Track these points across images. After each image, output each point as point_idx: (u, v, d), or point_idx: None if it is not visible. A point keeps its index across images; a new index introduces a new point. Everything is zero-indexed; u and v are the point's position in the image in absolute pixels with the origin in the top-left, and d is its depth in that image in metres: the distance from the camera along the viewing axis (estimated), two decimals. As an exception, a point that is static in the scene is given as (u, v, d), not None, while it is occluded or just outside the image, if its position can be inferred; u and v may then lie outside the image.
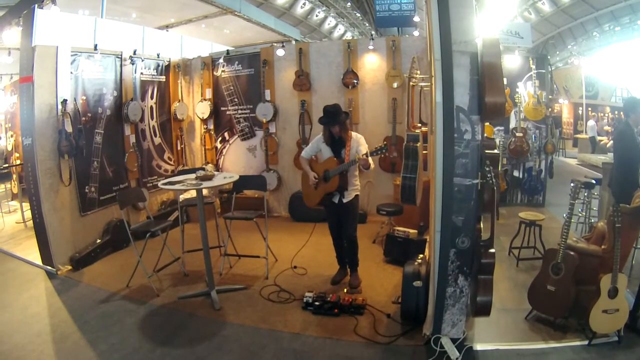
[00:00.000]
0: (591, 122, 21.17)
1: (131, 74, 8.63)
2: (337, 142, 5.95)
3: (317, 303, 5.46)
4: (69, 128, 7.06)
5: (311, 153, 6.20)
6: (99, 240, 7.60)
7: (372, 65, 9.19)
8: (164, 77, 9.77)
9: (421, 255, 5.54)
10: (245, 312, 5.51)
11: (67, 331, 5.13)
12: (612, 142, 9.60)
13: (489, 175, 4.32)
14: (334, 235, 6.33)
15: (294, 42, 13.48)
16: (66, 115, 7.04)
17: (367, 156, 5.60)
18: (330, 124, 5.87)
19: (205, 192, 7.65)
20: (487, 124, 8.29)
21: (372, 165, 5.82)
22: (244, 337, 4.94)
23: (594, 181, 7.69)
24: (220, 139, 10.38)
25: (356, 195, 6.11)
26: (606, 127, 20.89)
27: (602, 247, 5.08)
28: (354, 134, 6.01)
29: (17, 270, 7.14)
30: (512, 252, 7.07)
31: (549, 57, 12.38)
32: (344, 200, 6.00)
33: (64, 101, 7.02)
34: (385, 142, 5.86)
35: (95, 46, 7.79)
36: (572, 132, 24.58)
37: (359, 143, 5.90)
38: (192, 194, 8.20)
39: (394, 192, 8.47)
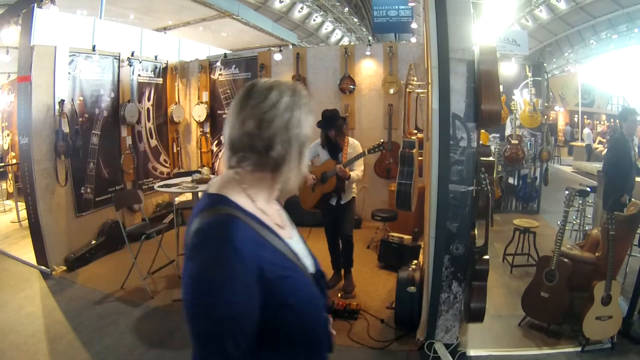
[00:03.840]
0: (587, 130, 21.25)
1: (129, 76, 8.64)
2: (335, 146, 6.04)
3: (311, 307, 5.45)
4: (65, 128, 7.07)
5: (308, 157, 6.15)
6: (94, 242, 7.60)
7: (369, 71, 9.22)
8: (161, 79, 9.79)
9: (415, 261, 5.57)
10: (239, 316, 5.49)
11: (61, 332, 5.14)
12: (605, 150, 9.66)
13: (484, 182, 4.35)
14: (330, 238, 6.38)
15: (291, 46, 13.48)
16: (63, 116, 7.04)
17: (344, 167, 5.76)
18: (326, 128, 5.97)
19: (200, 195, 7.65)
20: (482, 131, 8.33)
21: (354, 176, 5.93)
22: (238, 341, 4.93)
23: (588, 189, 7.73)
24: (216, 142, 10.38)
25: (353, 198, 6.21)
26: (598, 144, 20.79)
27: (596, 254, 5.11)
28: (351, 139, 6.10)
29: (12, 270, 7.14)
30: (506, 258, 7.10)
31: (545, 64, 12.43)
32: (342, 202, 6.08)
33: (62, 101, 7.03)
34: (382, 140, 5.92)
35: (94, 47, 7.81)
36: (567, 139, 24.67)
37: (355, 151, 6.00)
38: (188, 196, 8.21)
39: (389, 197, 8.48)
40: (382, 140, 5.97)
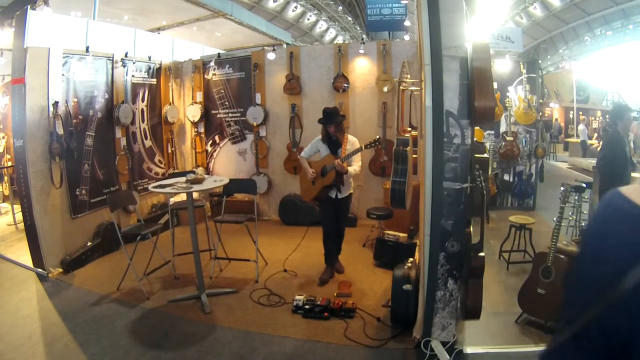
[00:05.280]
0: (581, 126, 21.30)
1: (122, 77, 8.61)
2: (334, 142, 6.32)
3: (307, 306, 5.47)
4: (60, 130, 7.04)
5: (310, 153, 6.57)
6: (89, 243, 7.57)
7: (362, 69, 9.21)
8: (155, 79, 9.77)
9: (411, 259, 5.56)
10: (235, 316, 5.51)
11: (58, 334, 5.12)
12: (600, 147, 9.66)
13: (478, 179, 4.35)
14: (327, 231, 6.56)
15: (284, 45, 13.49)
16: (57, 118, 7.01)
17: (342, 161, 6.07)
18: (327, 124, 6.26)
19: (195, 195, 7.63)
20: (477, 128, 8.32)
21: (352, 171, 6.25)
22: (234, 341, 4.94)
23: (584, 185, 7.73)
24: (210, 142, 10.38)
25: (350, 194, 6.57)
26: (594, 140, 20.79)
27: (592, 250, 5.10)
28: (350, 136, 6.40)
29: (8, 273, 7.12)
30: (502, 255, 7.09)
31: (540, 61, 12.45)
32: (340, 196, 6.37)
33: (56, 103, 7.00)
34: (378, 136, 6.16)
35: (87, 48, 7.78)
36: (563, 136, 24.72)
37: (353, 147, 6.25)
38: (183, 197, 8.19)
39: (384, 196, 8.47)
40: (377, 137, 6.18)
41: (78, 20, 8.31)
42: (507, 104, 9.93)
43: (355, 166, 6.23)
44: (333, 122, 6.23)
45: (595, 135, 21.56)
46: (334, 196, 6.36)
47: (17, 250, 7.96)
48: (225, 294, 6.11)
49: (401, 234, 7.04)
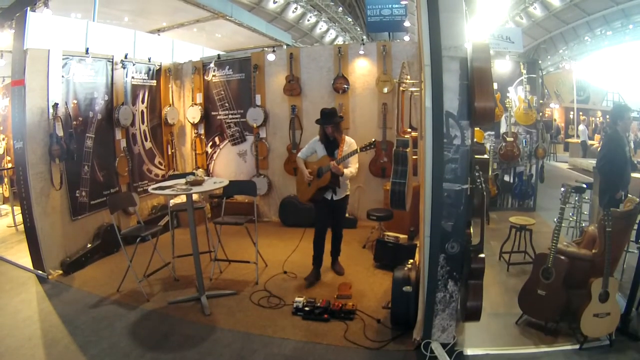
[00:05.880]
0: (582, 127, 21.30)
1: (122, 78, 8.60)
2: (332, 143, 6.30)
3: (307, 308, 5.47)
4: (60, 132, 7.03)
5: (307, 154, 6.60)
6: (89, 245, 7.57)
7: (362, 70, 9.19)
8: (155, 81, 9.76)
9: (411, 261, 5.55)
10: (235, 317, 5.50)
11: (57, 336, 5.11)
12: (600, 147, 9.66)
13: (478, 180, 4.35)
14: (320, 232, 6.58)
15: (285, 46, 13.48)
16: (57, 119, 7.00)
17: (338, 163, 6.08)
18: (324, 124, 6.26)
19: (195, 197, 7.63)
20: (477, 128, 8.32)
21: (348, 173, 6.24)
22: (234, 342, 4.93)
23: (584, 185, 7.73)
24: (210, 143, 10.36)
25: (347, 195, 6.56)
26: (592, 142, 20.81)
27: (593, 251, 5.10)
28: (347, 138, 6.37)
29: (8, 274, 7.11)
30: (502, 256, 7.09)
31: (540, 61, 12.46)
32: (335, 198, 6.39)
33: (55, 105, 6.99)
34: (373, 140, 6.06)
35: (87, 50, 7.76)
36: (563, 136, 24.72)
37: (350, 148, 6.22)
38: (183, 198, 8.18)
39: (384, 197, 8.45)
40: (373, 140, 6.10)
41: (78, 21, 8.30)
42: (508, 104, 9.93)
43: (351, 168, 6.22)
44: (330, 123, 6.22)
45: (596, 136, 21.53)
46: (329, 198, 6.38)
47: (17, 252, 7.95)
48: (225, 295, 6.10)
49: (401, 235, 7.03)
